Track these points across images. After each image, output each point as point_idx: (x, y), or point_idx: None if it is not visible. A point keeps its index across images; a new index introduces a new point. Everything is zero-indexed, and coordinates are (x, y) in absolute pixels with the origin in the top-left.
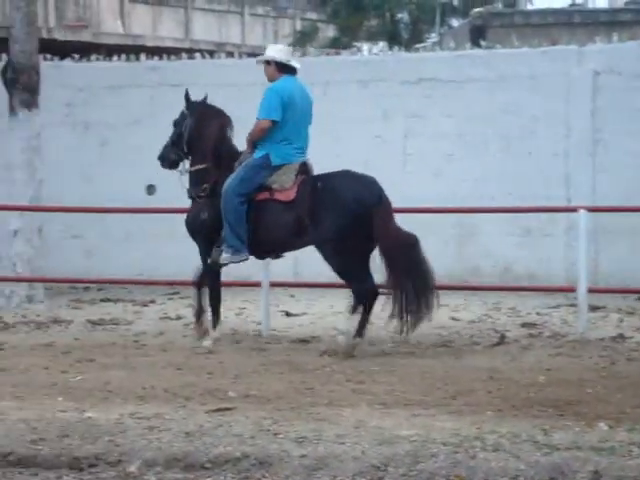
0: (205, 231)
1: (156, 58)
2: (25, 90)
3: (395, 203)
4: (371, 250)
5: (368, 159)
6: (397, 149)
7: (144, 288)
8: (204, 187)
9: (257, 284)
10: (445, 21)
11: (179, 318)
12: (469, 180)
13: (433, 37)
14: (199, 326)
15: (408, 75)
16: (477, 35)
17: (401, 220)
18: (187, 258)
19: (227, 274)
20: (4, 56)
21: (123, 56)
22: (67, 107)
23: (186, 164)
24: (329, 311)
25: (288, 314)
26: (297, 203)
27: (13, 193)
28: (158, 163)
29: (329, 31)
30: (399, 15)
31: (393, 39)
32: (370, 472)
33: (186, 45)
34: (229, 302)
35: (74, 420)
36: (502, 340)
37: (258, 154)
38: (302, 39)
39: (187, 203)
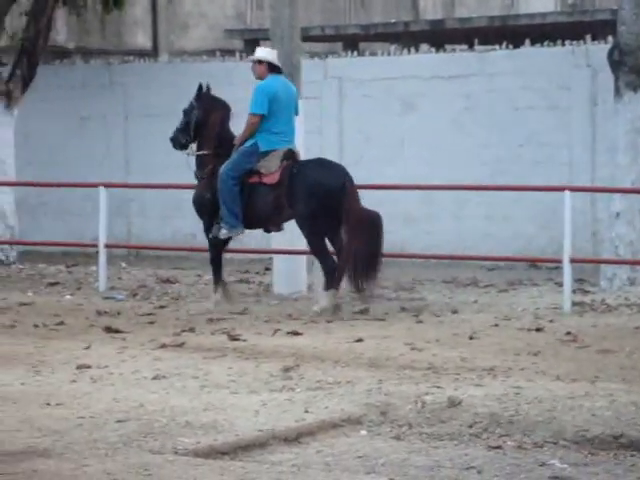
0: (209, 208)
1: None
2: (631, 72)
3: None
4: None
5: None
6: None
7: None
8: (207, 170)
9: None
10: None
11: None
12: None
13: None
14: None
15: None
16: None
17: None
18: None
19: None
20: (611, 38)
21: None
22: None
23: (193, 148)
24: None
25: None
26: (279, 186)
27: (616, 175)
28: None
29: None
30: None
31: None
32: None
33: None
34: None
35: None
36: None
37: (248, 142)
38: None
39: None
